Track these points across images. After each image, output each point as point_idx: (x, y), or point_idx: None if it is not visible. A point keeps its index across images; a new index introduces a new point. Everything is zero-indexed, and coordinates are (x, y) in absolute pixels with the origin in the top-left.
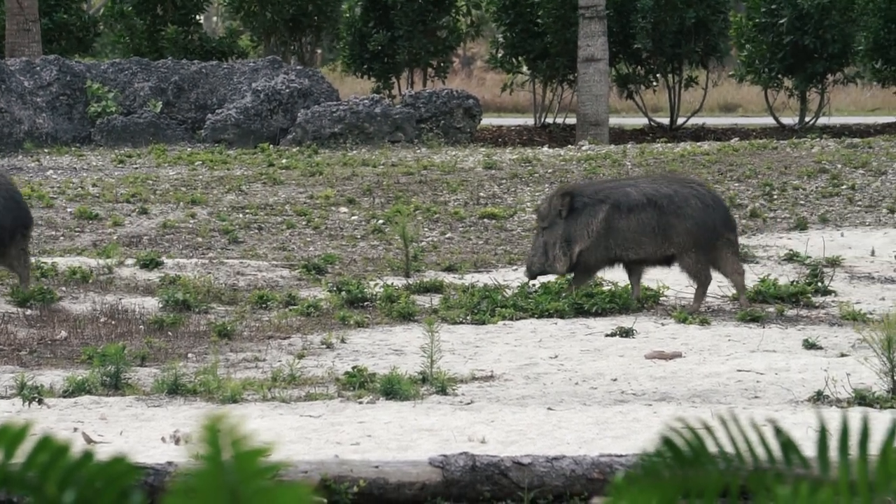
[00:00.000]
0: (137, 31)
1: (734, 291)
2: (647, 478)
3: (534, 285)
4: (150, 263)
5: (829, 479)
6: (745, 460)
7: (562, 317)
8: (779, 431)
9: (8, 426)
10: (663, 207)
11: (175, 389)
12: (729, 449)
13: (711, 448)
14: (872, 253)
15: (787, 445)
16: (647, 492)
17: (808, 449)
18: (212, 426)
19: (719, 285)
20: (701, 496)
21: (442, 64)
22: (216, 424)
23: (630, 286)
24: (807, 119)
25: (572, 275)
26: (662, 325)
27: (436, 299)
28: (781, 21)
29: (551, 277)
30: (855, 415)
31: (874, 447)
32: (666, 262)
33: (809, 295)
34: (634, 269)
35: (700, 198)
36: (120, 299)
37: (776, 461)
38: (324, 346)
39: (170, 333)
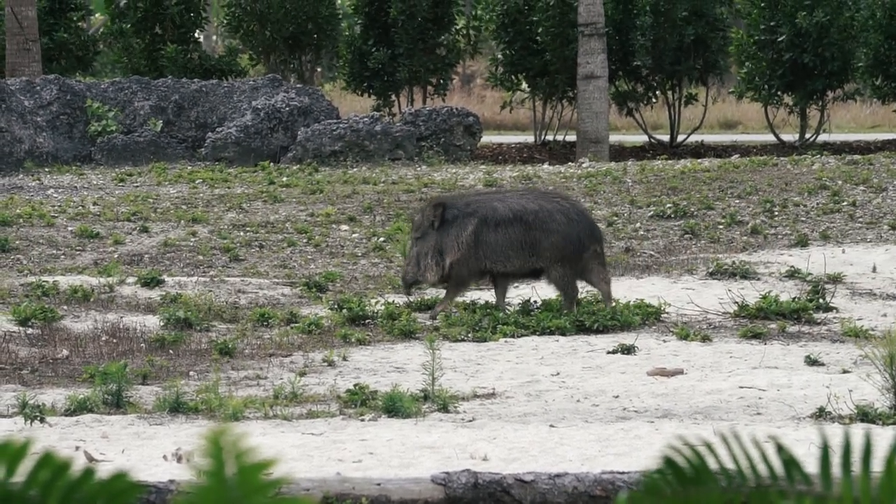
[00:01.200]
0: (136, 50)
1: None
2: (650, 497)
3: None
4: (151, 282)
5: (831, 495)
6: (748, 478)
7: (563, 334)
8: (781, 448)
9: (9, 443)
10: (529, 223)
11: (177, 408)
12: (731, 466)
13: (713, 466)
14: (874, 269)
15: (790, 462)
16: None
17: (812, 465)
18: (214, 442)
19: (720, 301)
20: None
21: (441, 81)
22: (219, 440)
23: (497, 299)
24: (807, 136)
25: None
26: (664, 341)
27: (437, 317)
28: (780, 38)
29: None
30: (857, 431)
31: (877, 464)
32: (534, 275)
33: (811, 311)
34: (500, 282)
35: (564, 212)
36: (121, 318)
37: (778, 478)
38: (325, 364)
39: (171, 351)
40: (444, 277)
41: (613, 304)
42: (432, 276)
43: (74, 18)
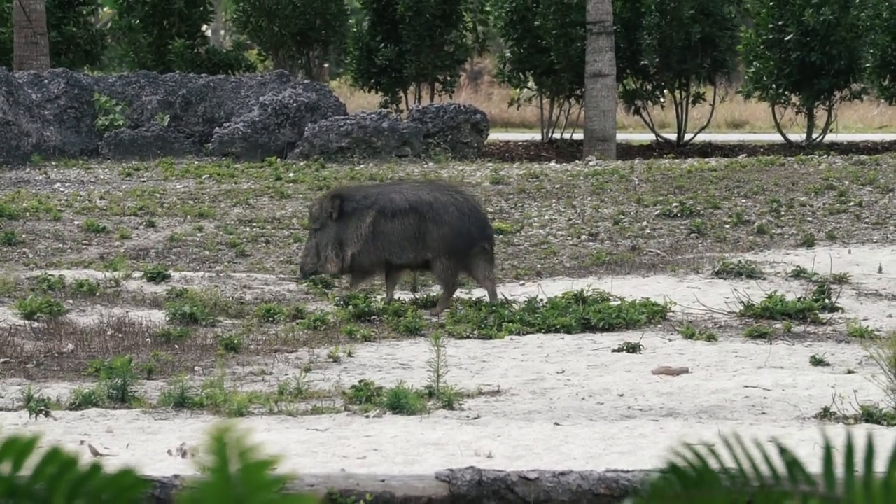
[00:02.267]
0: (144, 44)
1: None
2: (654, 500)
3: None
4: (157, 276)
5: (835, 496)
6: (750, 479)
7: (569, 332)
8: (783, 450)
9: (16, 438)
10: (423, 213)
11: (182, 402)
12: (734, 468)
13: (716, 468)
14: (880, 270)
15: (793, 463)
16: None
17: (817, 466)
18: (219, 438)
19: (726, 301)
20: None
21: (449, 78)
22: (223, 436)
23: (387, 291)
24: (814, 136)
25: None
26: (669, 340)
27: (443, 314)
28: (788, 38)
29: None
30: (861, 432)
31: (880, 464)
32: (427, 266)
33: (817, 311)
34: (393, 274)
35: (458, 206)
36: (127, 312)
37: (781, 479)
38: (330, 360)
39: (176, 346)
40: (345, 269)
41: (498, 301)
42: (333, 268)
43: (83, 12)
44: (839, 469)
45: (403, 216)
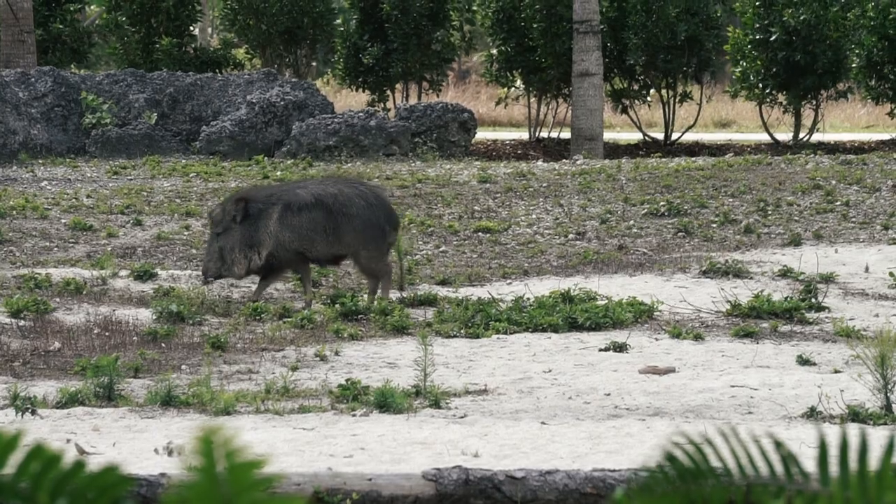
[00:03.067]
0: (131, 42)
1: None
2: (649, 491)
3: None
4: (144, 275)
5: (829, 492)
6: (748, 473)
7: (556, 331)
8: (779, 444)
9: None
10: (330, 207)
11: (168, 401)
12: (731, 462)
13: (714, 461)
14: (866, 269)
15: (788, 458)
16: None
17: (803, 465)
18: (206, 439)
19: (713, 300)
20: None
21: (437, 77)
22: (210, 437)
23: (304, 285)
24: (801, 135)
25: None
26: (656, 340)
27: (430, 313)
28: (773, 37)
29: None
30: (853, 431)
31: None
32: (336, 261)
33: (803, 311)
34: (302, 268)
35: (364, 197)
36: (114, 311)
37: (777, 474)
38: (317, 359)
39: (163, 345)
40: (252, 270)
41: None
42: (240, 270)
43: (70, 10)
44: (833, 465)
45: (310, 211)
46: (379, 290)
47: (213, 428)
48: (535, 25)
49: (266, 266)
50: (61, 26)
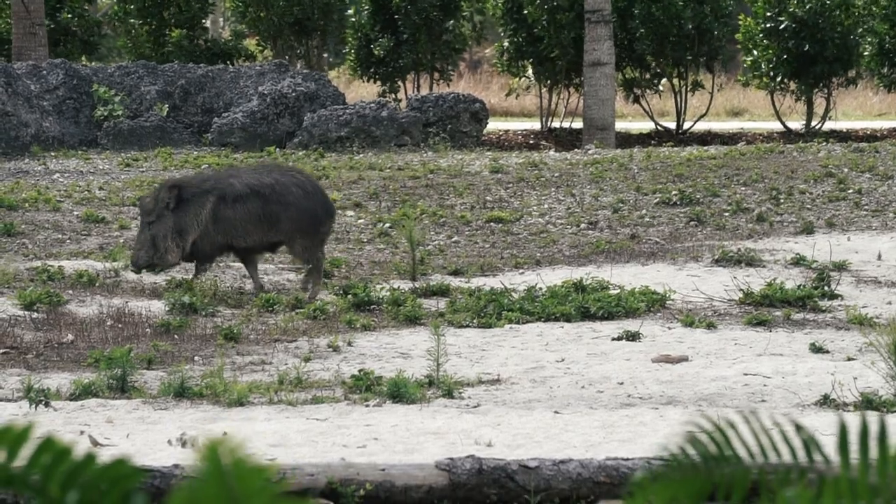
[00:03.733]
0: (140, 35)
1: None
2: (671, 474)
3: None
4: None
5: (850, 476)
6: (769, 457)
7: (568, 320)
8: (800, 428)
9: (11, 427)
10: (267, 196)
11: (182, 392)
12: (753, 446)
13: (737, 445)
14: (879, 257)
15: (809, 442)
16: (670, 488)
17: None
18: (213, 447)
19: (725, 288)
20: (729, 494)
21: (447, 68)
22: (217, 449)
23: (251, 276)
24: (813, 123)
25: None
26: (669, 328)
27: (442, 303)
28: (783, 26)
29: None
30: (872, 417)
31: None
32: (271, 248)
33: (816, 299)
34: (248, 257)
35: (301, 186)
36: (126, 302)
37: (798, 458)
38: (330, 350)
39: (176, 337)
40: (185, 257)
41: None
42: (173, 258)
43: (80, 1)
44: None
45: (246, 200)
46: (310, 285)
47: (220, 441)
48: (537, 14)
49: (193, 252)
50: (69, 16)
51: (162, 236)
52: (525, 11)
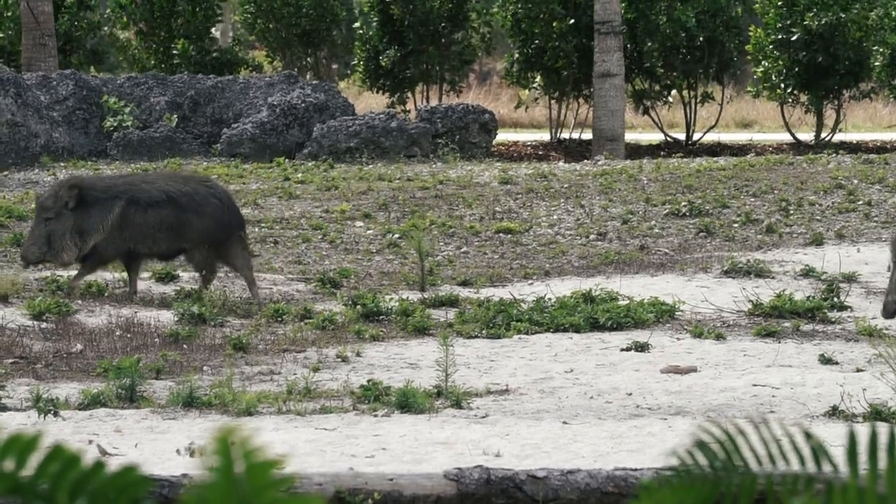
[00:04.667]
0: (141, 47)
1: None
2: (679, 480)
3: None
4: (165, 277)
5: (859, 484)
6: (778, 465)
7: (577, 331)
8: (809, 436)
9: (19, 435)
10: (182, 205)
11: (190, 402)
12: (761, 453)
13: (745, 452)
14: (889, 268)
15: (818, 449)
16: (677, 494)
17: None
18: (224, 439)
19: (735, 300)
20: (735, 503)
21: (455, 79)
22: (228, 437)
23: (131, 280)
24: (823, 135)
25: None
26: (678, 339)
27: (451, 313)
28: (794, 38)
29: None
30: (882, 428)
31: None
32: (168, 257)
33: (825, 310)
34: (135, 265)
35: (215, 196)
36: (135, 312)
37: (807, 465)
38: (339, 360)
39: (185, 346)
40: (81, 257)
41: (257, 293)
42: (69, 257)
43: (84, 9)
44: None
45: (159, 208)
46: (204, 285)
47: (231, 428)
48: (527, 23)
49: (90, 255)
50: (66, 19)
51: (59, 234)
52: (541, 23)
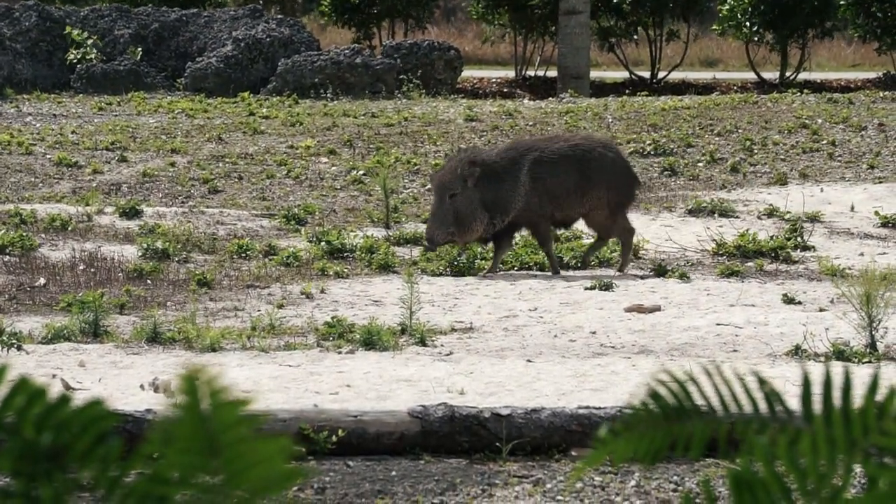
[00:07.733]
0: None
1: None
2: (632, 429)
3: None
4: (129, 212)
5: (812, 428)
6: (731, 411)
7: (541, 269)
8: (762, 381)
9: None
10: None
11: (154, 337)
12: (714, 399)
13: (697, 399)
14: (852, 208)
15: (772, 395)
16: (631, 443)
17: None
18: (191, 378)
19: (699, 239)
20: (688, 447)
21: (422, 15)
22: (195, 376)
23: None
24: (788, 74)
25: None
26: (642, 278)
27: (416, 251)
28: None
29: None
30: (837, 369)
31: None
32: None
33: (789, 250)
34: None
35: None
36: (99, 247)
37: (760, 410)
38: (303, 297)
39: (149, 282)
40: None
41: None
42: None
43: None
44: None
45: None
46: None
47: (198, 367)
48: None
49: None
50: None
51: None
52: None
